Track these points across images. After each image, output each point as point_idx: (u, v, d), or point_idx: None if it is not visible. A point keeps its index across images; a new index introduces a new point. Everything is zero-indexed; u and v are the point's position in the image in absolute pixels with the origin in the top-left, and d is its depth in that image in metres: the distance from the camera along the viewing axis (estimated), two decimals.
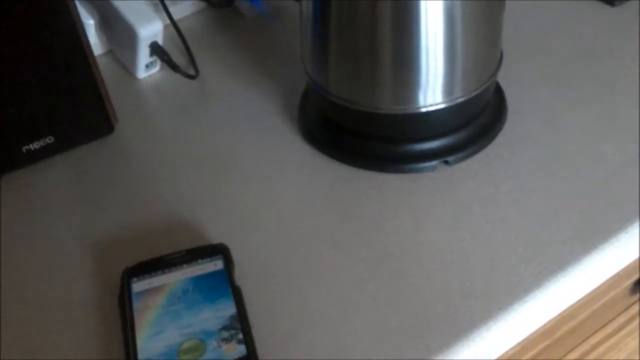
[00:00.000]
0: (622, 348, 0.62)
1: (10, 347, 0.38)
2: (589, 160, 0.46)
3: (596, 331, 0.55)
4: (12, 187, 0.47)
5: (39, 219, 0.45)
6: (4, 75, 0.44)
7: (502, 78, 0.50)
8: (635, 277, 0.54)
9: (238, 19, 0.63)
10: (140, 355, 0.34)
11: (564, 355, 0.54)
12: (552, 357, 0.51)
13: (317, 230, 0.43)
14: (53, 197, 0.47)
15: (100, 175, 0.48)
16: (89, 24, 0.55)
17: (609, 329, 0.57)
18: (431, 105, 0.43)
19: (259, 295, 0.39)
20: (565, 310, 0.42)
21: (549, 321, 0.41)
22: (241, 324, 0.35)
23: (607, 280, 0.43)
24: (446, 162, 0.45)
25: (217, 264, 0.38)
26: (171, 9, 0.59)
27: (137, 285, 0.38)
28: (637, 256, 0.43)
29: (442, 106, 0.43)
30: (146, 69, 0.56)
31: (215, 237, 0.42)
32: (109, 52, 0.59)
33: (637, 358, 0.66)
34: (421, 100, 0.42)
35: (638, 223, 0.42)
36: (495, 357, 0.39)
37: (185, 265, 0.38)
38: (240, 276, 0.39)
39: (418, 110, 0.43)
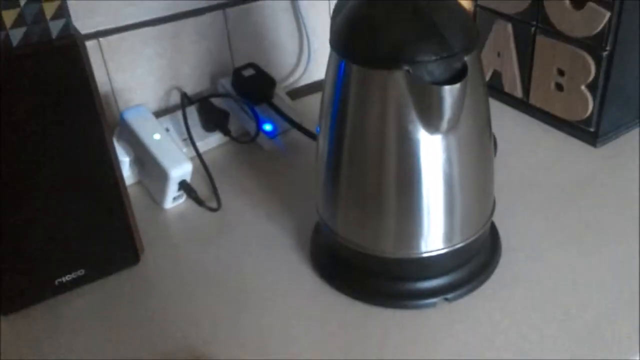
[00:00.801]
0: None
1: None
2: (579, 300, 0.49)
3: None
4: (41, 316, 0.51)
5: (64, 348, 0.48)
6: (44, 209, 0.48)
7: (496, 216, 0.54)
8: None
9: (259, 152, 0.70)
10: None
11: None
12: None
13: None
14: (79, 327, 0.50)
15: (124, 306, 0.52)
16: (125, 161, 0.61)
17: None
18: (432, 250, 0.47)
19: None
20: None
21: None
22: None
23: None
24: (446, 299, 0.49)
25: None
26: (199, 143, 0.66)
27: None
28: None
29: (442, 251, 0.47)
30: (173, 200, 0.61)
31: None
32: (138, 183, 0.65)
33: None
34: (423, 247, 0.47)
35: None
36: None
37: None
38: None
39: (420, 255, 0.47)
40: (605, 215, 0.57)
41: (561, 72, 0.67)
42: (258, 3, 0.73)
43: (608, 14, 0.61)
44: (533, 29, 0.68)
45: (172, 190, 0.60)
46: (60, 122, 0.46)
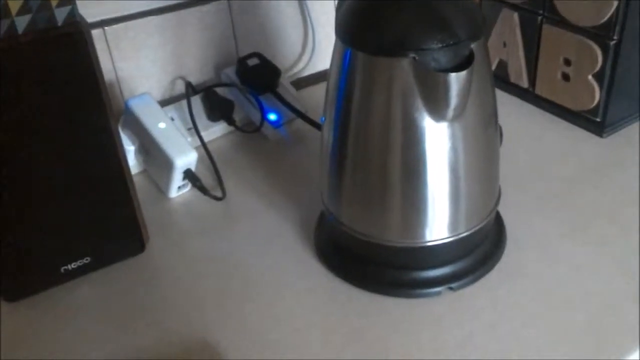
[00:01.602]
0: None
1: None
2: (584, 291, 0.49)
3: None
4: (48, 303, 0.51)
5: (70, 335, 0.48)
6: (50, 197, 0.48)
7: (501, 206, 0.54)
8: None
9: (263, 142, 0.70)
10: None
11: None
12: None
13: (326, 350, 0.46)
14: (84, 314, 0.50)
15: (129, 293, 0.52)
16: (130, 149, 0.61)
17: None
18: (437, 239, 0.47)
19: None
20: None
21: None
22: None
23: None
24: (450, 288, 0.49)
25: None
26: (204, 132, 0.66)
27: None
28: None
29: (447, 240, 0.47)
30: (178, 189, 0.61)
31: (231, 356, 0.45)
32: (143, 172, 0.65)
33: None
34: (428, 236, 0.47)
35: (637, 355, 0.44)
36: None
37: None
38: None
39: (425, 244, 0.47)
40: (611, 207, 0.57)
41: (567, 62, 0.67)
42: None
43: (616, 3, 0.60)
44: (540, 18, 0.68)
45: (177, 179, 0.60)
46: (66, 110, 0.46)
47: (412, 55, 0.41)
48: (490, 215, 0.50)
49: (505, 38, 0.73)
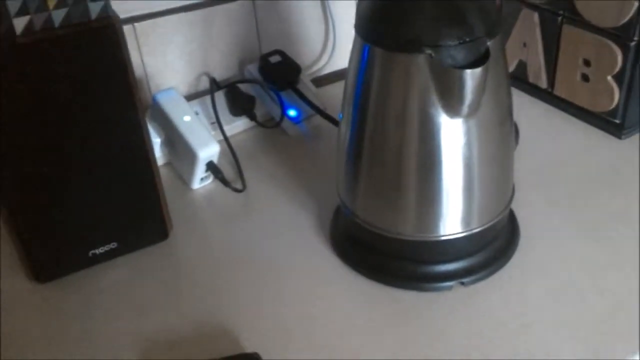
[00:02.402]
0: None
1: None
2: (594, 289, 0.49)
3: None
4: (76, 285, 0.54)
5: (95, 315, 0.51)
6: (82, 184, 0.51)
7: (516, 205, 0.55)
8: None
9: (283, 137, 0.71)
10: None
11: None
12: None
13: (341, 339, 0.47)
14: (110, 296, 0.52)
15: (153, 278, 0.54)
16: (156, 142, 0.64)
17: None
18: (450, 234, 0.48)
19: None
20: None
21: None
22: None
23: None
24: (462, 283, 0.50)
25: None
26: (226, 127, 0.68)
27: None
28: None
29: (460, 235, 0.48)
30: (200, 181, 0.64)
31: (249, 346, 0.47)
32: (168, 164, 0.68)
33: None
34: (441, 230, 0.48)
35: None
36: None
37: None
38: None
39: (438, 238, 0.48)
40: (627, 208, 0.57)
41: (587, 63, 0.67)
42: None
43: (637, 3, 0.60)
44: (560, 18, 0.68)
45: (200, 170, 0.62)
46: (98, 101, 0.48)
47: (428, 51, 0.43)
48: (504, 212, 0.51)
49: (525, 38, 0.73)
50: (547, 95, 0.73)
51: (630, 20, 0.61)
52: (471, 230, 0.48)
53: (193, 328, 0.49)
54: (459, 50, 0.43)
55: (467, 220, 0.48)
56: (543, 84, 0.73)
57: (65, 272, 0.54)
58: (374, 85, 0.47)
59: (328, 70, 0.82)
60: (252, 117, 0.71)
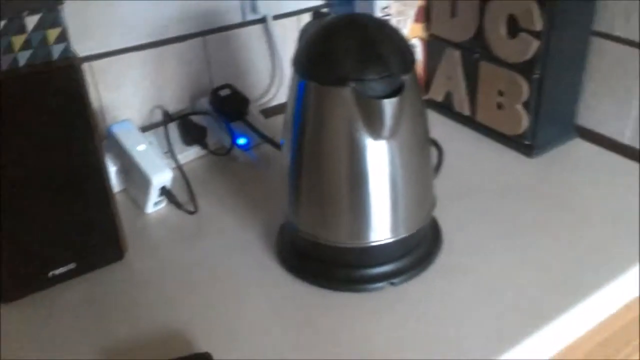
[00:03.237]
0: None
1: None
2: (510, 287, 0.56)
3: None
4: (35, 305, 0.57)
5: (56, 333, 0.54)
6: (41, 209, 0.54)
7: (440, 215, 0.62)
8: None
9: (233, 163, 0.77)
10: None
11: None
12: None
13: (284, 338, 0.52)
14: (70, 314, 0.56)
15: (111, 295, 0.58)
16: (112, 170, 0.68)
17: None
18: (380, 240, 0.55)
19: None
20: None
21: None
22: None
23: None
24: (392, 284, 0.56)
25: None
26: (180, 155, 0.74)
27: None
28: None
29: (389, 241, 0.55)
30: (154, 205, 0.68)
31: (202, 347, 0.51)
32: (124, 190, 0.72)
33: None
34: (372, 237, 0.55)
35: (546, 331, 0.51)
36: None
37: None
38: None
39: (369, 244, 0.55)
40: (535, 216, 0.66)
41: (501, 93, 0.76)
42: (235, 31, 0.82)
43: (537, 43, 0.70)
44: (477, 55, 0.78)
45: (154, 195, 0.66)
46: (59, 131, 0.53)
47: (354, 85, 0.50)
48: (427, 220, 0.58)
49: (449, 73, 0.82)
50: (470, 122, 0.82)
51: (533, 56, 0.71)
52: (399, 236, 0.55)
53: (149, 336, 0.53)
54: (379, 83, 0.50)
55: (395, 227, 0.55)
56: (466, 111, 0.82)
57: (25, 293, 0.57)
58: (309, 114, 0.53)
59: (276, 102, 0.88)
60: (203, 145, 0.76)
